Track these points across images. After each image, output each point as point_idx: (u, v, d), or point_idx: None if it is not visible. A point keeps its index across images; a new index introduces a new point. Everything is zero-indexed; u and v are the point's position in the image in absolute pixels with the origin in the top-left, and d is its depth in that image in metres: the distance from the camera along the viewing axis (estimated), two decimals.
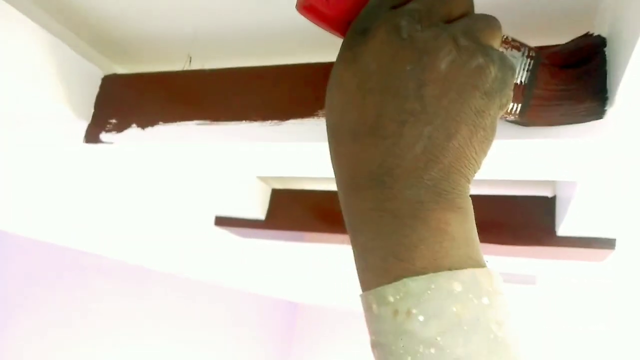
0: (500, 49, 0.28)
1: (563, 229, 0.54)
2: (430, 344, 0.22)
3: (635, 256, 0.68)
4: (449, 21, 0.26)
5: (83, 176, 0.67)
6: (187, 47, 0.45)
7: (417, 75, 0.24)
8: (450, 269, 0.23)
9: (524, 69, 0.29)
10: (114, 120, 0.44)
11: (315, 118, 0.37)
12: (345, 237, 0.32)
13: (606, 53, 0.30)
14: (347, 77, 0.26)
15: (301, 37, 0.41)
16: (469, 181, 0.26)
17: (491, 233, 0.58)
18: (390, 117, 0.24)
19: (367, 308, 0.25)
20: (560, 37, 0.34)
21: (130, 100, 0.44)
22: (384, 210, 0.25)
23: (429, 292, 0.23)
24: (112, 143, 0.43)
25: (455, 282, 0.23)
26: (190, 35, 0.44)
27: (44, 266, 1.38)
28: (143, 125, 0.43)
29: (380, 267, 0.25)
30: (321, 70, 0.38)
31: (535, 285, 1.00)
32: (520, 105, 0.29)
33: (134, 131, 0.43)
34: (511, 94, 0.26)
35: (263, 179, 0.68)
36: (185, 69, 0.45)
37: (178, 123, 0.41)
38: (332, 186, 0.65)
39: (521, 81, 0.29)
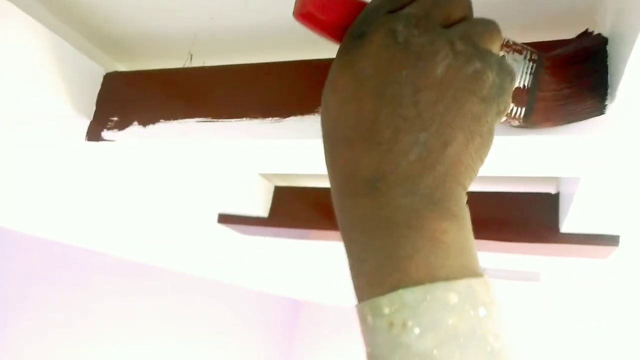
0: (502, 53, 0.28)
1: (567, 226, 0.54)
2: (426, 357, 0.22)
3: (639, 253, 0.68)
4: (447, 26, 0.25)
5: (85, 174, 0.67)
6: (188, 45, 0.45)
7: (412, 80, 0.24)
8: (446, 280, 0.23)
9: (526, 73, 0.29)
10: (115, 118, 0.44)
11: (316, 115, 0.37)
12: None
13: (607, 49, 0.30)
14: (342, 82, 0.26)
15: (301, 34, 0.41)
16: (465, 189, 0.25)
17: (494, 230, 0.58)
18: (385, 123, 0.24)
19: (362, 319, 0.25)
20: (562, 33, 0.34)
21: (131, 97, 0.44)
22: (379, 219, 0.24)
23: (424, 303, 0.22)
24: (113, 141, 0.43)
25: (452, 293, 0.23)
26: (191, 32, 0.44)
27: (45, 264, 1.39)
28: (144, 122, 0.43)
29: (375, 277, 0.24)
30: (321, 68, 0.38)
31: (539, 282, 0.99)
32: (524, 109, 0.29)
33: (135, 129, 0.43)
34: (509, 100, 0.26)
35: (266, 176, 0.68)
36: (186, 66, 0.45)
37: (179, 120, 0.41)
38: None
39: (524, 85, 0.29)
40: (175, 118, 0.42)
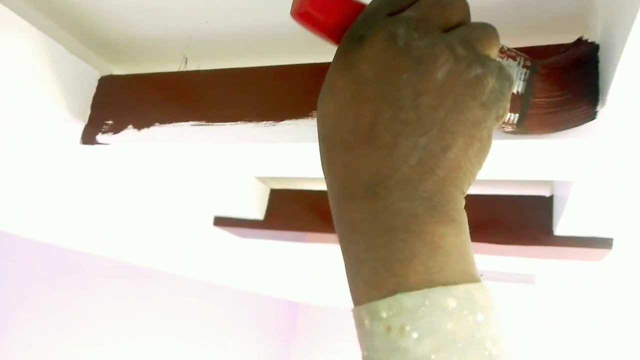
0: (497, 59, 0.28)
1: (560, 229, 0.54)
2: None
3: (632, 256, 0.68)
4: (446, 29, 0.25)
5: (81, 177, 0.67)
6: (182, 48, 0.46)
7: (413, 84, 0.24)
8: (444, 285, 0.23)
9: (519, 79, 0.29)
10: (110, 122, 0.44)
11: (310, 119, 0.37)
12: None
13: (599, 55, 0.30)
14: (341, 85, 0.25)
15: (296, 38, 0.42)
16: (463, 193, 0.25)
17: (489, 232, 0.58)
18: (385, 127, 0.24)
19: (359, 323, 0.25)
20: (555, 38, 0.34)
21: (126, 101, 0.44)
22: (378, 222, 0.24)
23: (423, 308, 0.22)
24: (108, 144, 0.43)
25: (450, 298, 0.22)
26: (186, 36, 0.44)
27: (42, 267, 1.38)
28: (139, 126, 0.43)
29: (373, 281, 0.24)
30: (316, 71, 0.38)
31: (534, 284, 1.00)
32: (517, 115, 0.29)
33: (130, 132, 0.43)
34: (508, 105, 0.26)
35: (261, 179, 0.68)
36: (181, 69, 0.46)
37: (174, 124, 0.42)
38: None
39: (517, 91, 0.29)
40: (170, 121, 0.42)
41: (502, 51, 0.29)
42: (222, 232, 0.75)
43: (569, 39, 0.33)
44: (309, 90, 0.38)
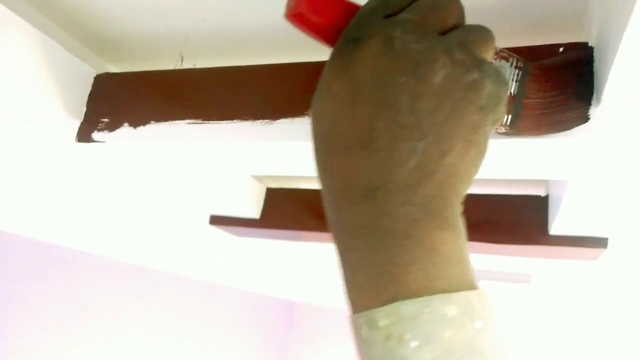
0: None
1: (556, 228, 0.54)
2: None
3: (627, 255, 0.68)
4: (442, 32, 0.25)
5: (77, 175, 0.67)
6: (179, 46, 0.45)
7: (410, 87, 0.23)
8: (444, 291, 0.23)
9: (512, 80, 0.29)
10: (106, 119, 0.44)
11: (306, 117, 0.37)
12: None
13: (594, 56, 0.31)
14: (337, 86, 0.25)
15: (292, 37, 0.41)
16: (461, 198, 0.25)
17: (484, 232, 0.58)
18: (383, 130, 0.23)
19: (357, 331, 0.24)
20: (550, 38, 0.34)
21: (122, 99, 0.44)
22: (376, 228, 0.24)
23: (422, 316, 0.22)
24: (104, 142, 0.43)
25: (450, 305, 0.22)
26: (182, 34, 0.44)
27: (39, 265, 1.38)
28: (135, 124, 0.43)
29: (371, 288, 0.24)
30: (312, 70, 0.38)
31: (530, 284, 1.00)
32: (510, 116, 0.29)
33: (125, 130, 0.43)
34: (505, 109, 0.26)
35: (257, 178, 0.68)
36: (177, 68, 0.45)
37: (170, 122, 0.41)
38: None
39: (510, 92, 0.29)
40: (166, 119, 0.42)
41: (495, 52, 0.29)
42: (218, 231, 0.75)
43: (565, 39, 0.34)
44: (306, 89, 0.38)
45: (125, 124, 0.43)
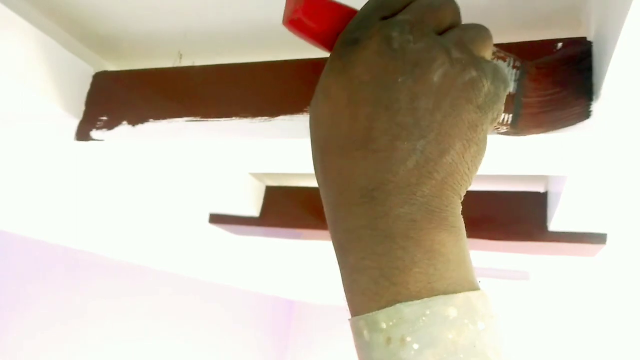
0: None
1: (555, 224, 0.54)
2: None
3: (626, 251, 0.69)
4: (439, 32, 0.25)
5: (76, 174, 0.66)
6: (177, 44, 0.45)
7: (409, 87, 0.23)
8: (445, 293, 0.22)
9: (510, 79, 0.29)
10: (104, 118, 0.44)
11: (304, 114, 0.37)
12: None
13: (592, 51, 0.31)
14: (336, 88, 0.25)
15: (290, 34, 0.41)
16: (460, 197, 0.25)
17: (483, 228, 0.58)
18: (382, 130, 0.24)
19: (358, 334, 0.24)
20: (547, 34, 0.34)
21: (120, 97, 0.44)
22: (376, 229, 0.24)
23: (423, 318, 0.22)
24: (102, 140, 0.43)
25: (451, 307, 0.22)
26: (181, 31, 0.44)
27: (37, 264, 1.38)
28: (133, 122, 0.42)
29: (372, 290, 0.23)
30: (311, 67, 0.38)
31: (528, 280, 1.00)
32: (511, 115, 0.29)
33: (124, 128, 0.43)
34: (502, 107, 0.26)
35: (256, 176, 0.68)
36: (175, 65, 0.45)
37: (168, 120, 0.41)
38: None
39: (509, 91, 0.29)
40: (165, 117, 0.42)
41: (492, 53, 0.29)
42: (218, 230, 0.75)
43: (563, 34, 0.34)
44: (304, 86, 0.38)
45: (124, 122, 0.43)
